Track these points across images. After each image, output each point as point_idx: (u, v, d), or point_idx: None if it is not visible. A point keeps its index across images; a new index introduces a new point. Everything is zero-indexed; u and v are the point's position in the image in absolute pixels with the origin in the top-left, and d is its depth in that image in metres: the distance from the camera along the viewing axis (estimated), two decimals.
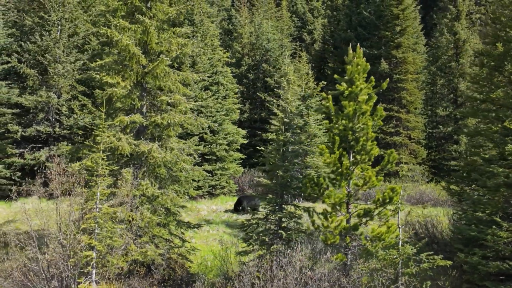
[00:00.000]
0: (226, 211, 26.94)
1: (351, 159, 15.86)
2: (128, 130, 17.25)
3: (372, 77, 16.12)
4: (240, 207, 26.81)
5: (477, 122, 36.54)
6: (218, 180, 29.30)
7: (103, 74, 16.82)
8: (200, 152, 22.43)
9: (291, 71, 18.16)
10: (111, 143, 15.88)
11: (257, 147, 36.37)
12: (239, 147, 31.91)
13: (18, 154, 26.04)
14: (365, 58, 16.32)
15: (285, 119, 17.64)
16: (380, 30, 40.46)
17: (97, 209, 14.04)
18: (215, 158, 29.47)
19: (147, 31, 17.20)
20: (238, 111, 33.71)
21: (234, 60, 37.00)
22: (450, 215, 22.68)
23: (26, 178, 26.39)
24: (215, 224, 23.71)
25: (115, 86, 16.61)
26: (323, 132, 31.87)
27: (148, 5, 17.84)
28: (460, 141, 40.92)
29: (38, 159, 26.03)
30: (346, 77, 16.25)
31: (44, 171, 26.48)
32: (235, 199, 28.46)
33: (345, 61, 48.74)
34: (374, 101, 16.10)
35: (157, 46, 17.57)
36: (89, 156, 16.47)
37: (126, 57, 16.96)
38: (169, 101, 17.25)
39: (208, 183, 28.22)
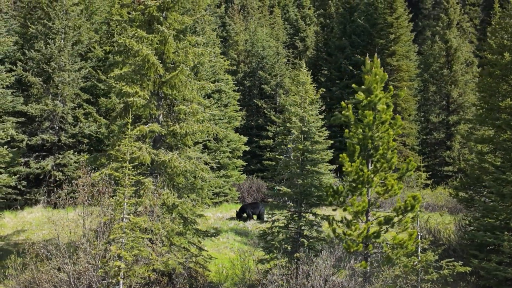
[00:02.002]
0: (232, 218, 27.02)
1: (370, 167, 16.09)
2: (147, 139, 17.30)
3: (391, 87, 16.42)
4: (245, 215, 26.91)
5: (469, 128, 37.08)
6: (221, 188, 29.36)
7: (122, 83, 16.81)
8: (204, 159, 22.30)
9: (308, 80, 18.30)
10: (132, 152, 15.88)
11: (259, 154, 36.75)
12: (241, 154, 32.00)
13: (23, 163, 25.76)
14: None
15: (303, 128, 17.82)
16: (374, 38, 40.93)
17: (124, 219, 14.04)
18: (218, 165, 29.52)
19: (165, 40, 17.21)
20: (240, 118, 33.82)
21: (234, 67, 37.10)
22: (456, 221, 23.03)
23: (31, 187, 26.19)
24: (224, 232, 23.75)
25: (134, 96, 16.62)
26: (323, 139, 32.03)
27: (164, 14, 17.91)
28: (453, 147, 41.61)
29: (44, 168, 25.80)
30: (363, 87, 16.48)
31: (50, 179, 26.33)
32: (238, 206, 28.50)
33: (340, 69, 48.82)
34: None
35: (174, 56, 17.61)
36: (108, 165, 16.48)
37: (145, 66, 16.97)
38: (188, 110, 17.29)
39: (213, 190, 28.25)
